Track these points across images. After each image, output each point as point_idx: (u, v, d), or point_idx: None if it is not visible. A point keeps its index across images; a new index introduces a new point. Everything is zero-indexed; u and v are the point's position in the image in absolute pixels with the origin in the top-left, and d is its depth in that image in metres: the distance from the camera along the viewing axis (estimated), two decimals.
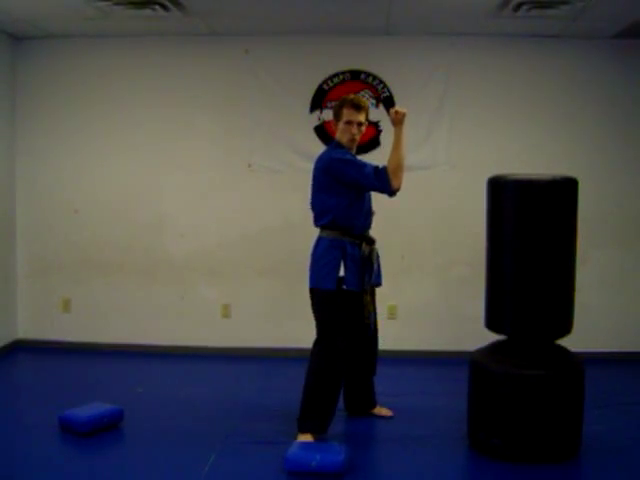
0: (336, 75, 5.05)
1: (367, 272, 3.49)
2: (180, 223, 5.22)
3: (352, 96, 3.66)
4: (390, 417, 3.82)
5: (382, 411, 3.85)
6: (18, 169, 5.25)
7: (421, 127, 5.03)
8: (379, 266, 3.66)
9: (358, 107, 3.49)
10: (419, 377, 4.60)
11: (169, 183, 5.20)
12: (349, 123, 3.49)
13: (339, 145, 3.58)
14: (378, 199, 3.63)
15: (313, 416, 3.47)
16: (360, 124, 3.51)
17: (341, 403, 3.70)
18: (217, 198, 5.19)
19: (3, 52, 5.03)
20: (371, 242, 3.55)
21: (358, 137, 3.55)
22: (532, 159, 4.82)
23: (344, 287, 3.46)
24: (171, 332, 5.23)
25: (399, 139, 3.41)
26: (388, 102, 5.04)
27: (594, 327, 4.86)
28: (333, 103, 4.96)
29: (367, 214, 3.59)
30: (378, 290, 3.76)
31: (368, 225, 3.61)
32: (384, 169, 3.38)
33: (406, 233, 5.05)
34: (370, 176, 3.39)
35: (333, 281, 3.44)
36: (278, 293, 5.13)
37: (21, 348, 5.27)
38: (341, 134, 3.55)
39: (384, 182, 3.36)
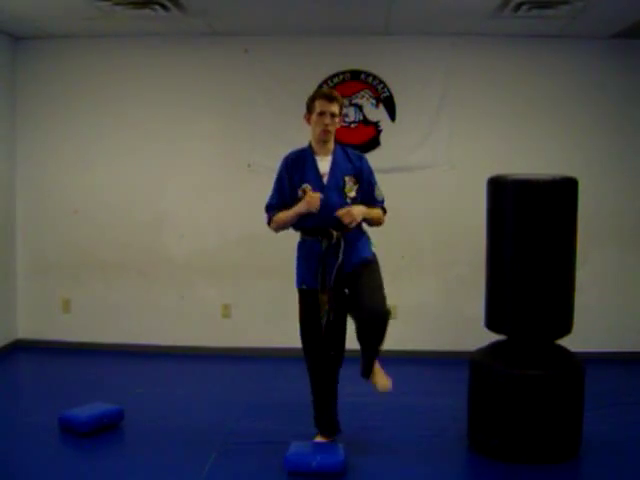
0: (336, 75, 5.05)
1: (325, 268, 3.37)
2: (180, 223, 5.22)
3: (324, 88, 3.66)
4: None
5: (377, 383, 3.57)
6: (18, 169, 5.26)
7: (421, 127, 5.04)
8: (356, 249, 3.42)
9: (330, 98, 3.40)
10: (419, 377, 4.60)
11: (169, 183, 5.20)
12: (322, 114, 3.38)
13: (304, 147, 3.55)
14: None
15: (315, 416, 3.52)
16: (333, 115, 3.39)
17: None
18: (217, 198, 5.19)
19: (3, 52, 5.03)
20: (330, 236, 3.36)
21: (332, 128, 3.41)
22: (532, 159, 4.81)
23: (304, 287, 3.47)
24: (171, 332, 5.23)
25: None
26: (388, 102, 5.04)
27: (594, 327, 4.86)
28: None
29: (318, 210, 3.36)
30: None
31: (322, 221, 3.37)
32: (268, 216, 3.56)
33: (406, 233, 5.05)
34: (268, 199, 3.56)
35: (296, 280, 3.52)
36: (278, 293, 5.12)
37: (21, 348, 5.27)
38: (314, 126, 3.44)
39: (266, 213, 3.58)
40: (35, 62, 5.17)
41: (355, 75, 5.05)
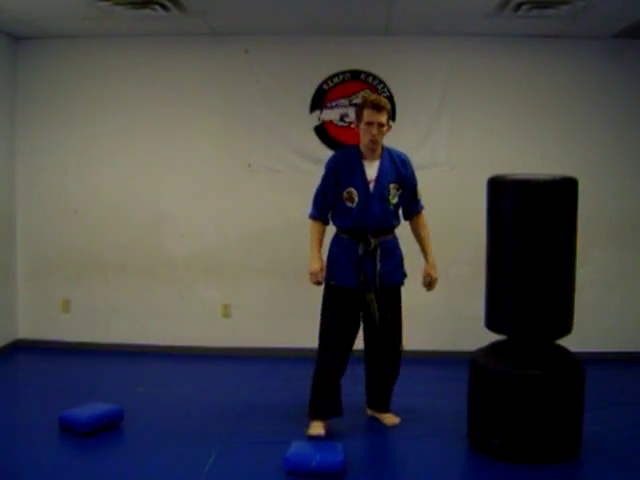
0: (336, 75, 5.05)
1: (362, 270, 3.51)
2: (180, 223, 5.21)
3: (373, 97, 3.63)
4: (392, 425, 3.77)
5: (387, 418, 3.80)
6: (18, 169, 5.25)
7: (421, 127, 5.04)
8: (393, 266, 3.65)
9: (379, 107, 3.48)
10: (419, 377, 4.59)
11: (169, 183, 5.20)
12: (369, 124, 3.48)
13: (353, 148, 3.68)
14: None
15: (310, 401, 3.65)
16: (381, 125, 3.49)
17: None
18: (217, 198, 5.19)
19: (3, 52, 5.02)
20: (367, 242, 3.52)
21: (379, 138, 3.52)
22: (532, 159, 4.81)
23: (332, 282, 3.59)
24: (171, 332, 5.22)
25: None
26: (388, 102, 5.03)
27: (594, 327, 4.86)
28: (333, 103, 5.02)
29: (362, 215, 3.54)
30: None
31: (363, 225, 3.55)
32: (312, 212, 3.64)
33: (406, 233, 5.04)
34: (315, 193, 3.65)
35: (327, 275, 3.61)
36: (278, 293, 5.13)
37: (21, 348, 5.26)
38: (362, 135, 3.54)
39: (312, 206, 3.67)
40: (35, 62, 5.17)
41: (355, 75, 5.05)
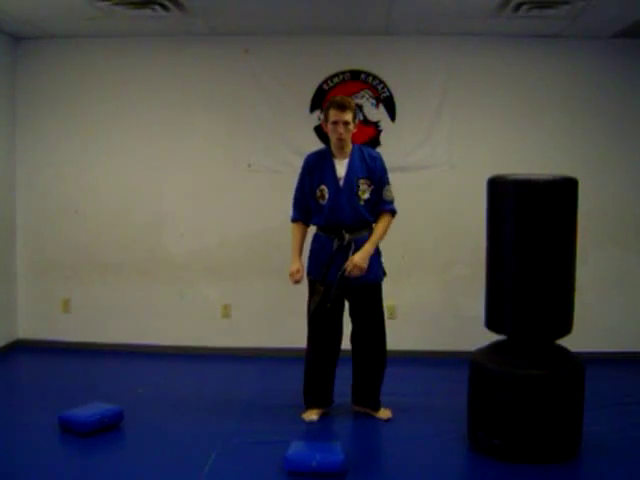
0: (336, 75, 5.05)
1: (329, 264, 3.61)
2: (180, 223, 5.22)
3: (337, 97, 3.77)
4: (387, 419, 3.80)
5: (380, 413, 3.82)
6: (18, 169, 5.25)
7: (421, 127, 5.04)
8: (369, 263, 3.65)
9: (343, 107, 3.60)
10: (419, 377, 4.60)
11: (169, 183, 5.20)
12: (335, 123, 3.61)
13: (324, 148, 3.84)
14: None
15: (304, 392, 3.85)
16: (346, 123, 3.61)
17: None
18: (217, 198, 5.19)
19: (3, 52, 5.02)
20: (342, 237, 3.60)
21: (346, 136, 3.65)
22: (532, 159, 4.81)
23: (310, 277, 3.75)
24: (171, 332, 5.23)
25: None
26: (388, 102, 5.04)
27: (594, 327, 4.86)
28: None
29: (332, 212, 3.65)
30: None
31: (335, 221, 3.65)
32: (292, 215, 3.81)
33: (406, 233, 5.04)
34: (293, 196, 3.81)
35: (306, 268, 3.78)
36: (278, 293, 5.12)
37: (21, 348, 5.26)
38: (330, 134, 3.68)
39: (292, 209, 3.85)
40: (36, 62, 5.17)
41: (355, 75, 5.05)
